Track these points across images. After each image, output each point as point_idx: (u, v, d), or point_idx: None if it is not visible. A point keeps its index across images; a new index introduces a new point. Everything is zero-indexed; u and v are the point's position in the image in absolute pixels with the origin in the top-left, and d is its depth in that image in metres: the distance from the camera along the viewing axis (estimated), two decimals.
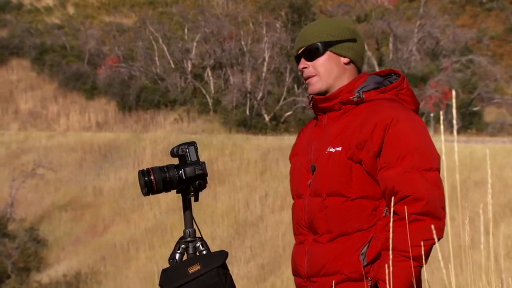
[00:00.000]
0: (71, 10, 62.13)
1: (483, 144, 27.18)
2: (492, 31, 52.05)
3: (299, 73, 3.17)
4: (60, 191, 35.61)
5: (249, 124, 40.13)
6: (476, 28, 50.83)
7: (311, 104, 3.07)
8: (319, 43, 3.01)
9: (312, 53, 3.02)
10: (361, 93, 2.96)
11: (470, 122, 38.55)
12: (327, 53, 3.01)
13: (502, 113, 41.11)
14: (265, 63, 42.26)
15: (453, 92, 2.26)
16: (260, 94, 41.65)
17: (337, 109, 2.99)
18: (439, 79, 39.52)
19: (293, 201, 3.10)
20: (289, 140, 33.73)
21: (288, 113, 41.16)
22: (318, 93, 3.03)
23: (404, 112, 2.89)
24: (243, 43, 44.15)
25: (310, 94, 3.06)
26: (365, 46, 3.12)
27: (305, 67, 3.04)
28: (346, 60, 3.01)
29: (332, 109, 3.00)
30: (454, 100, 2.21)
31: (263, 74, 42.06)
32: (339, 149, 2.90)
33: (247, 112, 41.26)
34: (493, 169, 21.51)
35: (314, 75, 3.02)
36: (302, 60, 3.04)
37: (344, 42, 3.02)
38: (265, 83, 41.83)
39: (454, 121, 2.20)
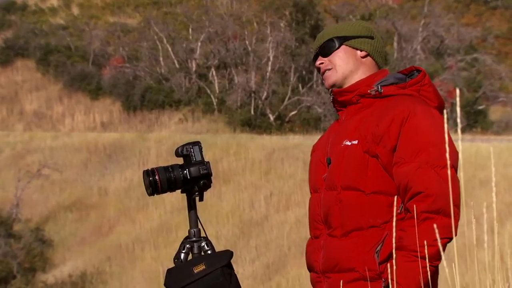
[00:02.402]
0: (75, 10, 62.15)
1: (488, 142, 27.11)
2: (497, 29, 51.94)
3: (317, 71, 3.15)
4: (65, 191, 35.63)
5: (254, 123, 40.11)
6: (480, 26, 50.71)
7: (332, 100, 3.06)
8: (334, 38, 3.00)
9: (328, 48, 3.01)
10: (379, 87, 2.91)
11: (475, 120, 38.47)
12: (343, 47, 3.00)
13: (507, 112, 41.02)
14: (270, 63, 42.23)
15: (457, 91, 2.25)
16: (265, 94, 41.62)
17: (355, 102, 2.95)
18: (444, 78, 39.46)
19: (310, 196, 3.06)
20: (294, 139, 33.70)
21: (293, 113, 41.12)
22: (334, 86, 3.02)
23: (422, 107, 2.82)
24: (247, 42, 44.13)
25: (327, 88, 3.05)
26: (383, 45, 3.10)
27: (322, 63, 3.03)
28: (363, 53, 2.99)
29: (351, 103, 2.97)
30: (458, 99, 2.21)
31: (268, 74, 42.03)
32: (355, 142, 2.85)
33: (252, 112, 41.23)
34: (498, 168, 21.44)
35: (330, 68, 3.00)
36: (319, 57, 3.04)
37: (360, 37, 3.00)
38: (270, 83, 41.80)
39: (458, 120, 2.20)
